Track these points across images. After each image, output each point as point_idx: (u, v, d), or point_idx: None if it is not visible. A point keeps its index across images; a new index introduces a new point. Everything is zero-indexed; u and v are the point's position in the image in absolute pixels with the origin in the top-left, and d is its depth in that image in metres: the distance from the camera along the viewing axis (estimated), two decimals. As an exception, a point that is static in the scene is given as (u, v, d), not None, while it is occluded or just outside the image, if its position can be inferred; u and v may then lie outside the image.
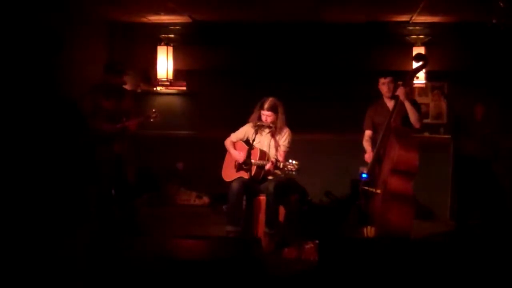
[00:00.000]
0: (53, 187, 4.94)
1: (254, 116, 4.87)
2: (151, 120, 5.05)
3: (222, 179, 5.00)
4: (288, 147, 4.83)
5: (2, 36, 4.72)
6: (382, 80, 4.72)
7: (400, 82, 4.68)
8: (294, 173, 4.46)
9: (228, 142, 5.02)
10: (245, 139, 4.99)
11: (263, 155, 4.75)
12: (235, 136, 5.01)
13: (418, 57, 4.74)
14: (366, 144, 4.86)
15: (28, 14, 5.00)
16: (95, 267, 4.01)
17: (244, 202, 4.73)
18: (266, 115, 4.75)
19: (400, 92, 4.53)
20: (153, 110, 5.11)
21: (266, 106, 4.75)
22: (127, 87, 5.50)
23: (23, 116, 4.82)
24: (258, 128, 4.77)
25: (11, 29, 4.82)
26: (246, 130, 4.96)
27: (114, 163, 4.88)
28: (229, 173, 4.95)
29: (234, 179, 4.80)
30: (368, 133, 4.90)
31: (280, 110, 4.81)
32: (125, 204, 4.98)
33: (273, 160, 4.59)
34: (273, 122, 4.78)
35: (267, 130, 4.84)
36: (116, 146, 4.89)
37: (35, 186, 4.74)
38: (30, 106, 4.95)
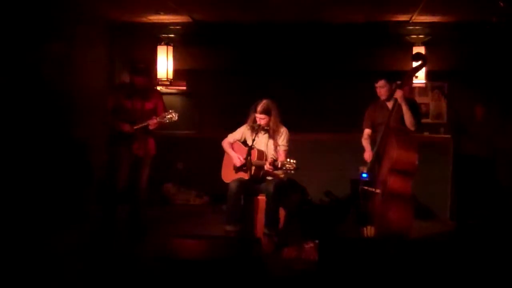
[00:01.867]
0: (48, 186, 4.94)
1: (250, 118, 4.89)
2: (167, 121, 4.86)
3: (222, 180, 5.01)
4: (287, 146, 4.83)
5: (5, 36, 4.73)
6: (376, 85, 4.74)
7: (398, 82, 4.68)
8: (292, 172, 4.46)
9: (225, 143, 5.02)
10: (242, 139, 4.99)
11: (261, 155, 4.75)
12: (232, 136, 5.02)
13: (417, 57, 4.73)
14: (365, 143, 4.88)
15: (28, 14, 5.00)
16: (96, 267, 4.02)
17: (242, 202, 4.74)
18: (260, 118, 4.76)
19: (398, 94, 4.52)
20: (170, 110, 4.91)
21: (259, 109, 4.76)
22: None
23: (19, 115, 4.82)
24: (254, 129, 4.77)
25: (10, 28, 4.82)
26: (243, 131, 4.97)
27: (130, 163, 4.85)
28: (228, 174, 4.95)
29: (233, 179, 4.81)
30: (367, 131, 4.91)
31: (274, 111, 4.80)
32: (133, 205, 4.97)
33: (271, 159, 4.60)
34: (267, 124, 4.79)
35: (263, 131, 4.85)
36: (134, 146, 4.86)
37: (29, 185, 4.74)
38: (26, 105, 4.95)
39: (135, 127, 4.80)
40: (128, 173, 4.87)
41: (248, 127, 4.92)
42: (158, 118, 4.82)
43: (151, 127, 4.84)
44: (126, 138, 4.81)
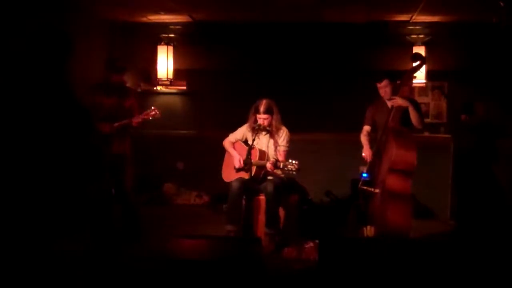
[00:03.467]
0: (56, 187, 4.92)
1: (250, 119, 4.88)
2: (150, 118, 4.88)
3: (222, 179, 5.01)
4: (287, 147, 4.83)
5: (5, 36, 4.72)
6: (378, 85, 4.73)
7: (398, 82, 4.68)
8: (294, 173, 4.45)
9: (227, 143, 5.02)
10: (243, 139, 4.99)
11: (263, 155, 4.75)
12: (234, 136, 5.01)
13: (415, 57, 4.74)
14: (364, 140, 4.88)
15: (29, 15, 5.00)
16: (96, 268, 4.02)
17: (243, 202, 4.74)
18: (263, 119, 4.74)
19: (401, 102, 4.48)
20: (152, 107, 4.95)
21: (261, 109, 4.74)
22: (128, 85, 5.41)
23: (27, 115, 4.81)
24: (256, 130, 4.77)
25: (15, 29, 4.82)
26: (244, 131, 4.97)
27: (112, 163, 4.81)
28: (229, 174, 4.95)
29: (235, 179, 4.80)
30: (366, 128, 4.92)
31: (275, 110, 4.80)
32: (124, 205, 4.95)
33: (273, 160, 4.59)
34: (269, 124, 4.78)
35: (265, 132, 4.85)
36: (114, 145, 4.83)
37: (38, 186, 4.72)
38: (26, 105, 4.93)
39: (116, 125, 4.78)
40: (110, 173, 4.81)
41: (249, 128, 4.91)
42: (141, 116, 4.82)
43: (134, 124, 4.83)
44: (105, 137, 4.78)
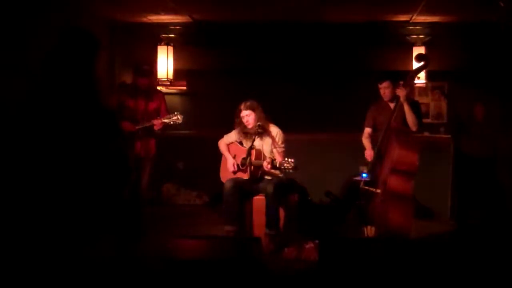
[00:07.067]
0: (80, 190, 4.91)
1: (237, 123, 4.91)
2: (171, 123, 4.94)
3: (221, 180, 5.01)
4: (283, 147, 4.82)
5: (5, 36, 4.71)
6: (379, 85, 4.74)
7: (401, 83, 4.68)
8: (291, 171, 4.46)
9: (222, 144, 5.04)
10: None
11: (259, 154, 4.75)
12: (227, 138, 5.05)
13: (420, 57, 4.74)
14: (366, 141, 4.89)
15: (29, 15, 4.99)
16: (97, 267, 4.01)
17: (239, 202, 4.74)
18: (246, 116, 4.78)
19: (401, 93, 4.52)
20: (175, 113, 4.99)
21: (242, 107, 4.79)
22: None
23: (24, 116, 4.80)
24: (249, 133, 4.78)
25: (8, 27, 4.80)
26: (234, 138, 4.99)
27: (132, 163, 4.85)
28: (227, 175, 4.95)
29: (227, 179, 4.82)
30: (367, 130, 4.92)
31: (256, 106, 4.80)
32: (133, 204, 4.96)
33: (270, 159, 4.60)
34: (255, 122, 4.75)
35: (258, 133, 4.81)
36: (137, 146, 4.88)
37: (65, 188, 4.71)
38: (61, 107, 4.93)
39: (138, 127, 4.83)
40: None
41: (241, 132, 4.91)
42: (164, 119, 4.85)
43: (156, 128, 4.87)
44: (128, 137, 4.82)
